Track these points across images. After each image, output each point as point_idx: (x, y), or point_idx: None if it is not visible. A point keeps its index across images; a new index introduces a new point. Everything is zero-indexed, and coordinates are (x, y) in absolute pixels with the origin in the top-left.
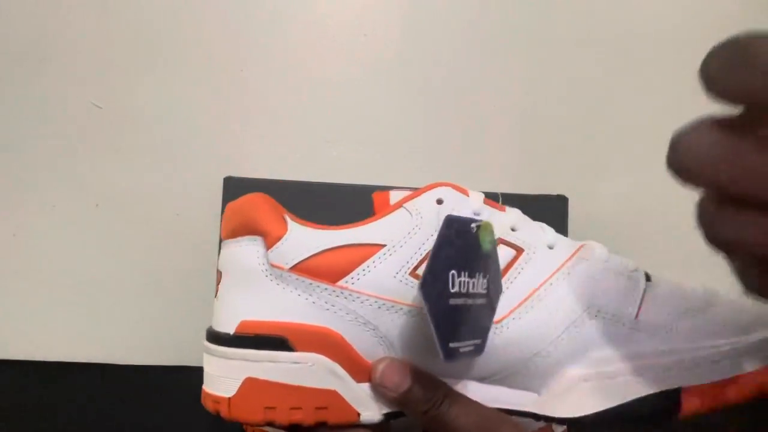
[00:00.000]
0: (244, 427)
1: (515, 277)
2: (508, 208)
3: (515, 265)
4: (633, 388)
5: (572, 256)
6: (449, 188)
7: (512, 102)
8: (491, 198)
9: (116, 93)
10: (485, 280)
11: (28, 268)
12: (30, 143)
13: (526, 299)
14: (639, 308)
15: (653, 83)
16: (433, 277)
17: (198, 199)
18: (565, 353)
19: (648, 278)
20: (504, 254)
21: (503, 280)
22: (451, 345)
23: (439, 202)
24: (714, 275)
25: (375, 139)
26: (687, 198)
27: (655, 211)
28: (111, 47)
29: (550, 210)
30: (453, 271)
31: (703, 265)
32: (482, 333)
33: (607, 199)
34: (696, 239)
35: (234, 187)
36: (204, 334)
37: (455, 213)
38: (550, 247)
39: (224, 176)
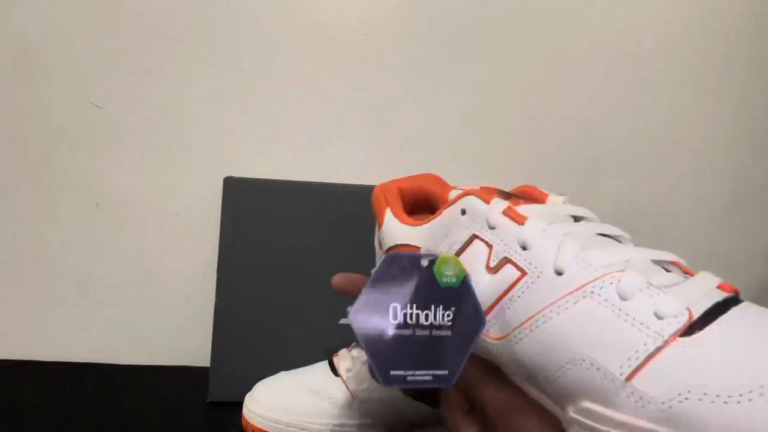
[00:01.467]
0: (245, 427)
1: (514, 301)
2: (529, 222)
3: (516, 287)
4: None
5: (580, 287)
6: (473, 197)
7: (512, 102)
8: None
9: (116, 93)
10: (448, 312)
11: (28, 268)
12: (30, 143)
13: (521, 324)
14: (636, 370)
15: (652, 84)
16: (368, 309)
17: (198, 199)
18: (560, 392)
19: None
20: (509, 274)
21: (507, 299)
22: (393, 372)
23: (463, 212)
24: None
25: (375, 139)
26: (687, 198)
27: (655, 211)
28: (111, 47)
29: None
30: (395, 304)
31: (702, 265)
32: (450, 363)
33: (607, 199)
34: (696, 239)
35: (234, 187)
36: (204, 333)
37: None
38: (558, 273)
39: (224, 176)
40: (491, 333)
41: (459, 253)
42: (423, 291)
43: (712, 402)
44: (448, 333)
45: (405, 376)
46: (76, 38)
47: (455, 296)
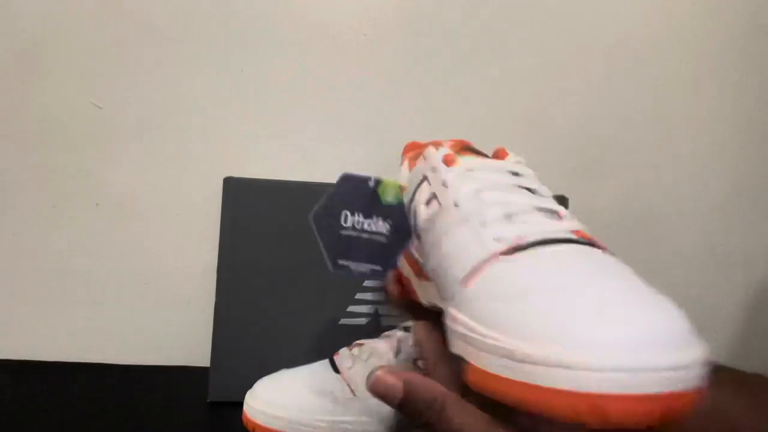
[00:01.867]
0: (246, 423)
1: (432, 226)
2: (455, 167)
3: (435, 217)
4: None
5: (465, 218)
6: (431, 147)
7: (513, 102)
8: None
9: (116, 93)
10: (386, 224)
11: (29, 268)
12: (30, 143)
13: (432, 244)
14: (468, 276)
15: (653, 84)
16: (326, 213)
17: (198, 199)
18: (444, 296)
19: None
20: (433, 207)
21: (429, 225)
22: (340, 261)
23: (424, 158)
24: (714, 275)
25: (375, 139)
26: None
27: (655, 211)
28: (111, 47)
29: None
30: (346, 212)
31: (702, 265)
32: (384, 262)
33: (607, 199)
34: (695, 239)
35: (234, 187)
36: (204, 333)
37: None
38: (455, 205)
39: (224, 176)
40: (418, 249)
41: (416, 190)
42: (368, 204)
43: (508, 301)
44: (384, 239)
45: (349, 266)
46: (76, 38)
47: (394, 212)
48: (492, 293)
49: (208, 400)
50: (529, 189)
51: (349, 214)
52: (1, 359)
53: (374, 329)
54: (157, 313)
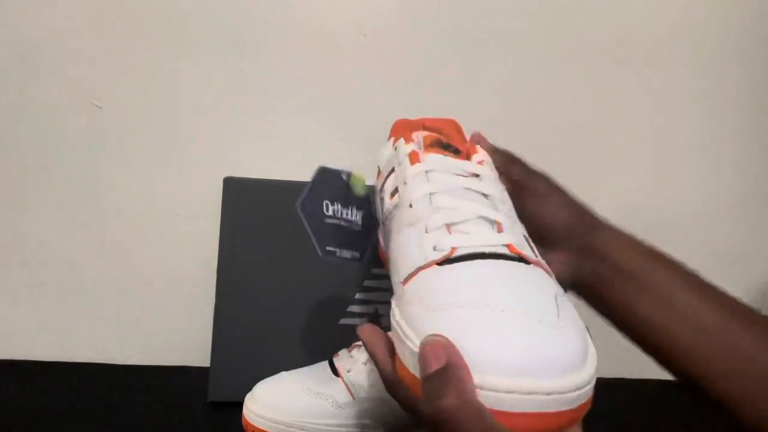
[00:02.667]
0: (245, 427)
1: (391, 220)
2: (417, 165)
3: (394, 211)
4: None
5: (416, 220)
6: (401, 139)
7: (512, 102)
8: None
9: (116, 93)
10: (359, 214)
11: (28, 268)
12: (30, 143)
13: (391, 238)
14: (407, 278)
15: (653, 84)
16: (310, 202)
17: (198, 199)
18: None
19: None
20: (394, 201)
21: (390, 218)
22: (328, 248)
23: (395, 149)
24: (713, 274)
25: (375, 139)
26: (686, 198)
27: (655, 211)
28: (111, 47)
29: None
30: (326, 201)
31: (702, 265)
32: (360, 248)
33: (607, 199)
34: (696, 239)
35: (234, 187)
36: (204, 333)
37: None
38: (410, 206)
39: (224, 176)
40: (383, 235)
41: (386, 179)
42: (344, 195)
43: (425, 310)
44: (359, 228)
45: (335, 252)
46: (76, 38)
47: (364, 202)
48: (418, 299)
49: (208, 400)
50: (483, 194)
51: (329, 203)
52: (1, 359)
53: None
54: (157, 313)
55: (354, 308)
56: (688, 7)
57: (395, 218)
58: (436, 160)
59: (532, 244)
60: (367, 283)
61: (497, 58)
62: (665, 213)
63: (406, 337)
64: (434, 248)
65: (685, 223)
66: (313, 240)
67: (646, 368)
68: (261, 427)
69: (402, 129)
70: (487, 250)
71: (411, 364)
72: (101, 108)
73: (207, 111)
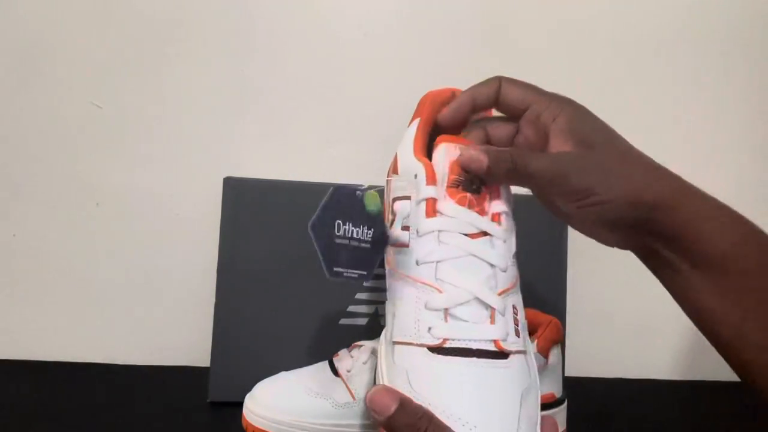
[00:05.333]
0: (245, 427)
1: (398, 254)
2: (432, 220)
3: (402, 248)
4: None
5: (417, 279)
6: (422, 173)
7: None
8: None
9: (116, 93)
10: (370, 232)
11: (28, 268)
12: (30, 143)
13: (392, 273)
14: (401, 345)
15: (652, 83)
16: (321, 223)
17: (198, 199)
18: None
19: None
20: (404, 235)
21: (397, 250)
22: (335, 269)
23: (415, 176)
24: None
25: (375, 139)
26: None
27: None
28: (111, 47)
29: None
30: (338, 221)
31: None
32: (368, 267)
33: None
34: None
35: (234, 187)
36: (204, 333)
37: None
38: (417, 264)
39: (224, 176)
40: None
41: (398, 196)
42: (356, 213)
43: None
44: (368, 246)
45: (343, 272)
46: (76, 38)
47: (375, 221)
48: (405, 378)
49: (208, 400)
50: (489, 264)
51: (341, 223)
52: (1, 359)
53: (374, 329)
54: (157, 313)
55: (354, 308)
56: (691, 4)
57: (401, 258)
58: (452, 212)
59: (519, 318)
60: (367, 283)
61: (498, 58)
62: None
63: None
64: (429, 330)
65: None
66: (322, 262)
67: (647, 368)
68: (261, 427)
69: (428, 109)
70: (474, 346)
71: None
72: (101, 108)
73: (207, 111)
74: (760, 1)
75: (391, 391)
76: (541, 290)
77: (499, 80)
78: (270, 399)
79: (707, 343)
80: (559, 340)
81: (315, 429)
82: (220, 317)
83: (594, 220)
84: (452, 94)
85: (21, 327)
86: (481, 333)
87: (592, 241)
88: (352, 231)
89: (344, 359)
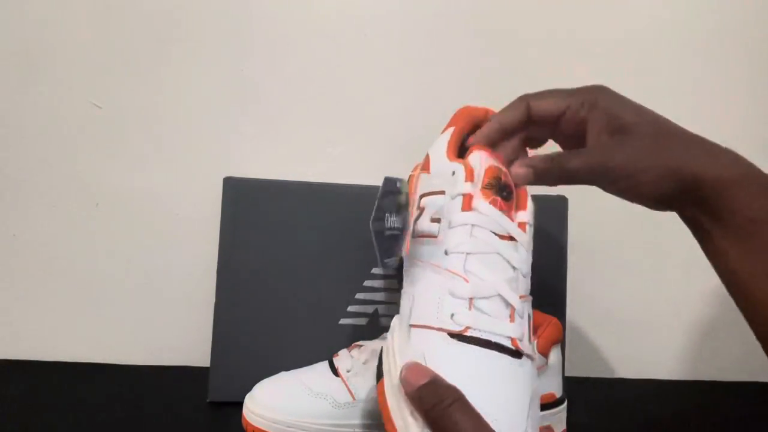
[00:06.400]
0: (245, 427)
1: (423, 244)
2: (466, 214)
3: (430, 238)
4: None
5: (441, 265)
6: (461, 169)
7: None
8: None
9: (116, 93)
10: (401, 219)
11: (28, 268)
12: (30, 143)
13: (416, 260)
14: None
15: (652, 83)
16: (378, 218)
17: (198, 199)
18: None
19: None
20: (434, 227)
21: (426, 239)
22: (385, 261)
23: (453, 173)
24: (714, 275)
25: (375, 139)
26: None
27: (657, 213)
28: (111, 47)
29: (550, 210)
30: (388, 213)
31: (703, 266)
32: (398, 253)
33: (607, 199)
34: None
35: (234, 187)
36: (204, 333)
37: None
38: (446, 253)
39: (224, 176)
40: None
41: (427, 192)
42: (398, 204)
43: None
44: (400, 233)
45: (389, 263)
46: (76, 38)
47: (405, 207)
48: (421, 358)
49: (208, 400)
50: (512, 266)
51: (389, 215)
52: (1, 359)
53: (374, 329)
54: (157, 313)
55: (354, 308)
56: (687, 8)
57: (427, 248)
58: (486, 210)
59: (530, 326)
60: (367, 283)
61: (498, 58)
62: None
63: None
64: (452, 316)
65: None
66: (378, 253)
67: (647, 368)
68: (261, 427)
69: (462, 120)
70: (494, 339)
71: (391, 394)
72: (101, 108)
73: (207, 111)
74: (760, 1)
75: (424, 368)
76: (541, 290)
77: (526, 100)
78: (270, 399)
79: (707, 343)
80: (559, 340)
81: (315, 429)
82: (220, 317)
83: (640, 198)
84: (485, 114)
85: (21, 327)
86: (502, 328)
87: (592, 242)
88: (395, 221)
89: (344, 359)
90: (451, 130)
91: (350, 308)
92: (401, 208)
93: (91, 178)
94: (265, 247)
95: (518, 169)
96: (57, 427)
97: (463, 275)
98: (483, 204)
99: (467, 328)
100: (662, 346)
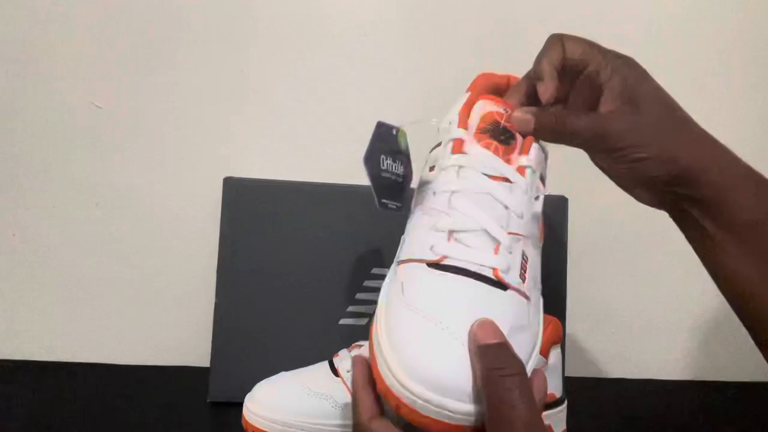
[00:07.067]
0: (245, 427)
1: (422, 190)
2: (456, 156)
3: (426, 182)
4: None
5: (430, 206)
6: (455, 120)
7: None
8: None
9: (116, 93)
10: (402, 167)
11: (28, 268)
12: (30, 143)
13: (415, 201)
14: (404, 263)
15: None
16: (370, 157)
17: (198, 199)
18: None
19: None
20: (430, 175)
21: (423, 184)
22: (383, 200)
23: (450, 123)
24: None
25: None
26: None
27: (655, 211)
28: (111, 47)
29: (550, 210)
30: (382, 155)
31: (702, 265)
32: (403, 200)
33: (607, 199)
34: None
35: (234, 187)
36: (204, 333)
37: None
38: (433, 193)
39: (224, 176)
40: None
41: (435, 147)
42: (393, 149)
43: (401, 303)
44: (402, 180)
45: (387, 204)
46: (76, 39)
47: (404, 158)
48: (400, 290)
49: (208, 400)
50: (504, 205)
51: (384, 157)
52: (1, 359)
53: None
54: (157, 313)
55: (354, 308)
56: (688, 7)
57: (422, 193)
58: (476, 153)
59: (528, 267)
60: (367, 283)
61: (498, 58)
62: (665, 214)
63: (386, 315)
64: (431, 248)
65: None
66: (374, 192)
67: (647, 368)
68: (261, 427)
69: (480, 87)
70: (471, 268)
71: (381, 363)
72: (101, 108)
73: (207, 111)
74: (761, 1)
75: (497, 328)
76: (542, 290)
77: (560, 39)
78: (270, 399)
79: (707, 342)
80: (559, 340)
81: (315, 429)
82: (220, 317)
83: (631, 178)
84: (507, 81)
85: (21, 327)
86: (481, 258)
87: (592, 242)
88: (392, 165)
89: (344, 359)
90: (468, 94)
91: (350, 308)
92: (399, 154)
93: (91, 178)
94: (265, 247)
95: (520, 114)
96: (57, 428)
97: (446, 211)
98: (474, 147)
99: (444, 257)
100: (662, 346)
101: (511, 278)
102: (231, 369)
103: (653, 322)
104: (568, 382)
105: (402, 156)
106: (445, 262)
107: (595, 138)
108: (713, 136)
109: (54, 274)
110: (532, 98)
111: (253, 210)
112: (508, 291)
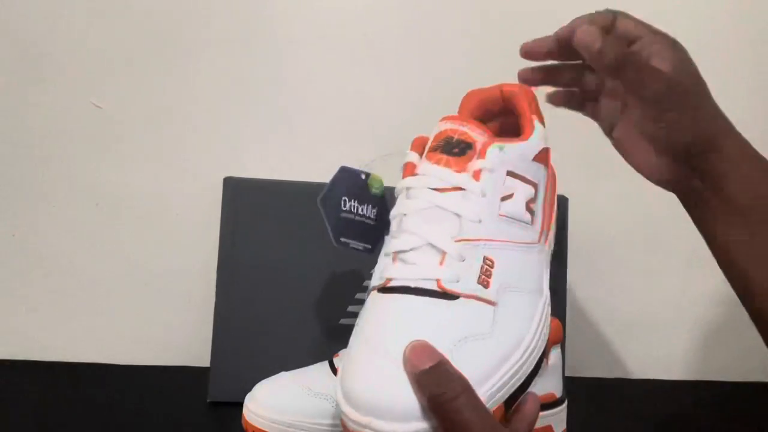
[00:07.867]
0: (245, 427)
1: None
2: (406, 180)
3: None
4: None
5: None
6: (415, 148)
7: None
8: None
9: (116, 93)
10: (374, 210)
11: (28, 268)
12: (30, 143)
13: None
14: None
15: None
16: (330, 197)
17: (198, 199)
18: None
19: None
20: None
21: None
22: (342, 239)
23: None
24: (714, 276)
25: (375, 139)
26: None
27: (655, 211)
28: (111, 47)
29: None
30: (344, 198)
31: (703, 265)
32: (372, 242)
33: (607, 199)
34: (696, 240)
35: (234, 187)
36: (204, 333)
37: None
38: (392, 218)
39: (224, 176)
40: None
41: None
42: (361, 193)
43: (354, 333)
44: (372, 222)
45: (348, 243)
46: (76, 39)
47: (378, 202)
48: (357, 321)
49: (208, 400)
50: (456, 214)
51: (347, 199)
52: (1, 359)
53: None
54: (157, 313)
55: (354, 308)
56: (693, 6)
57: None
58: (424, 171)
59: (494, 272)
60: (366, 283)
61: (498, 58)
62: (665, 213)
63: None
64: (380, 274)
65: (685, 224)
66: (329, 231)
67: (647, 368)
68: (261, 427)
69: (466, 109)
70: (413, 284)
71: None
72: (101, 108)
73: (207, 111)
74: (760, 1)
75: (431, 349)
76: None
77: (613, 13)
78: (270, 399)
79: (707, 343)
80: (559, 340)
81: (315, 429)
82: (220, 317)
83: (666, 139)
84: (499, 92)
85: (21, 327)
86: (423, 273)
87: (592, 242)
88: (357, 207)
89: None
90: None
91: (350, 308)
92: (370, 198)
93: (91, 178)
94: (265, 247)
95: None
96: (57, 428)
97: (396, 235)
98: (423, 166)
99: (389, 279)
100: (662, 346)
101: (463, 286)
102: (231, 369)
103: (653, 322)
104: (568, 382)
105: (374, 200)
106: (391, 284)
107: (642, 71)
108: (733, 125)
109: (54, 274)
110: (555, 56)
111: (253, 210)
112: (459, 299)
